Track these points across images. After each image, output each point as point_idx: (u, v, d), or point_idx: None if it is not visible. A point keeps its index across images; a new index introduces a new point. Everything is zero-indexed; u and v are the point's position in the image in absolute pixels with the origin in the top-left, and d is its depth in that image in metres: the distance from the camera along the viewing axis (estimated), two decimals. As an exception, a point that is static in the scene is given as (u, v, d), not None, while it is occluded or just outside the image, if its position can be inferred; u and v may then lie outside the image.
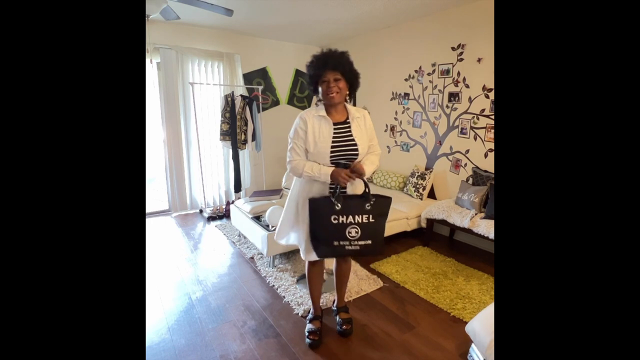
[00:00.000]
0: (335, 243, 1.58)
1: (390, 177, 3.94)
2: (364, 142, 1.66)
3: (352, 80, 1.65)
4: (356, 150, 1.63)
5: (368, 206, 1.59)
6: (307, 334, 1.88)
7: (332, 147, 1.61)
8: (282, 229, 1.84)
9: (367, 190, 1.63)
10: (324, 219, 1.57)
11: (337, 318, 1.99)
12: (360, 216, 1.58)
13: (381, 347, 1.83)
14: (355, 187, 1.71)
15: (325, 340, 1.88)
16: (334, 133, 1.62)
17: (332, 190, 1.66)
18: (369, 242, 1.61)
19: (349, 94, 1.67)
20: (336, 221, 1.57)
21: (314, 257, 1.72)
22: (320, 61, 1.59)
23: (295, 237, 1.81)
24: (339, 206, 1.56)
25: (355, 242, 1.59)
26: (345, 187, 1.64)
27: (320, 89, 1.62)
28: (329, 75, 1.58)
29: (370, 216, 1.59)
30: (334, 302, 2.07)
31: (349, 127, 1.65)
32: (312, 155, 1.63)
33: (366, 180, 1.65)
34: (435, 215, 3.04)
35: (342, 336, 1.92)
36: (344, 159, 1.62)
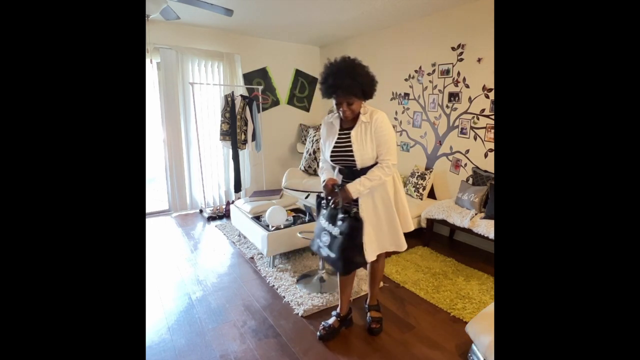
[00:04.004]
0: (318, 241, 1.70)
1: (390, 177, 3.94)
2: (365, 150, 1.61)
3: (369, 91, 1.60)
4: (352, 158, 1.63)
5: (339, 221, 1.61)
6: (321, 326, 1.93)
7: (332, 153, 1.70)
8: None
9: (350, 206, 1.64)
10: (317, 216, 1.70)
11: (368, 316, 2.00)
12: (332, 226, 1.65)
13: (381, 347, 1.83)
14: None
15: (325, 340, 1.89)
16: (337, 140, 1.69)
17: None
18: (332, 255, 1.63)
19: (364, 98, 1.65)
20: (321, 222, 1.70)
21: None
22: (330, 87, 1.55)
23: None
24: (324, 209, 1.69)
25: (325, 248, 1.67)
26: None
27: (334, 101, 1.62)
28: (342, 99, 1.57)
29: (339, 231, 1.61)
30: (365, 300, 2.09)
31: (350, 135, 1.65)
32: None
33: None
34: (435, 215, 3.04)
35: (370, 334, 1.93)
36: (343, 165, 1.71)
